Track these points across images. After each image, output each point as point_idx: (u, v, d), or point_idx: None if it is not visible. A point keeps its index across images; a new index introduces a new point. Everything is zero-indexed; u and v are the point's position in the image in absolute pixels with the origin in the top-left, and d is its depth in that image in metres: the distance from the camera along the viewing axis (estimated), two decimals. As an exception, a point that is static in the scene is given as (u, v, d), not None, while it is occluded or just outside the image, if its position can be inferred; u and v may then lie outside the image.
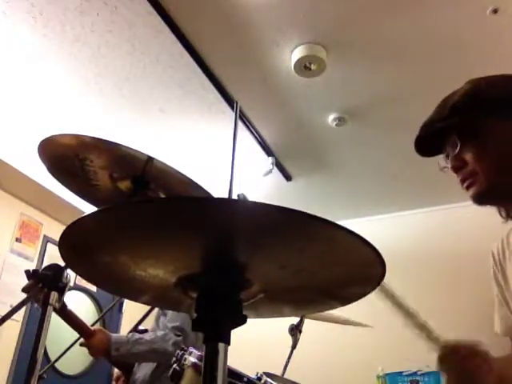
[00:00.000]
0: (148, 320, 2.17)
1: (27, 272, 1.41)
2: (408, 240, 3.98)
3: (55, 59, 2.73)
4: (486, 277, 1.21)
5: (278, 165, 3.60)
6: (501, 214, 1.09)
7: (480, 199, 1.06)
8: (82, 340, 1.92)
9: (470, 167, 1.05)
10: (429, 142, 1.13)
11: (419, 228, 4.00)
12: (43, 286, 1.27)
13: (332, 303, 0.82)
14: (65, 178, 1.48)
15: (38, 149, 1.35)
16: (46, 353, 3.10)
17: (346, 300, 0.79)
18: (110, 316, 4.17)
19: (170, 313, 2.09)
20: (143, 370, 2.06)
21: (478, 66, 2.40)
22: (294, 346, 2.26)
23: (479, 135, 1.05)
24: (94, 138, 1.31)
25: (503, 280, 1.14)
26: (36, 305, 1.32)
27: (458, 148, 1.07)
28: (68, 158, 1.36)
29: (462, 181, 1.08)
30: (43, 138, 1.31)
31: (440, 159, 1.14)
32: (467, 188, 1.07)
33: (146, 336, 2.02)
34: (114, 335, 2.00)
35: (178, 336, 1.99)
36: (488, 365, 0.94)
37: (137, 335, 2.03)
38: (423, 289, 3.68)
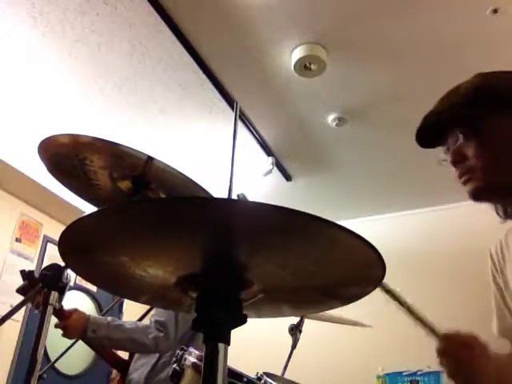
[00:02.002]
0: (146, 320, 2.17)
1: (22, 272, 1.40)
2: (408, 240, 3.98)
3: (55, 59, 2.73)
4: (485, 276, 1.21)
5: (278, 165, 3.60)
6: (497, 213, 1.09)
7: (476, 196, 1.05)
8: (57, 321, 1.87)
9: (469, 163, 1.04)
10: (430, 133, 1.12)
11: (419, 228, 4.00)
12: (43, 286, 1.27)
13: (332, 303, 0.82)
14: (65, 177, 1.48)
15: (38, 149, 1.35)
16: (46, 353, 3.10)
17: (346, 300, 0.79)
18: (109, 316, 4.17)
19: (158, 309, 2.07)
20: (138, 371, 2.05)
21: (478, 66, 2.39)
22: (293, 346, 2.26)
23: (482, 131, 1.04)
24: (94, 137, 1.31)
25: (502, 281, 1.13)
26: (30, 305, 1.31)
27: (460, 142, 1.05)
28: (68, 157, 1.36)
29: (460, 175, 1.07)
30: (43, 138, 1.31)
31: (440, 152, 1.13)
32: (464, 183, 1.06)
33: (127, 324, 2.00)
34: (92, 315, 1.97)
35: (160, 331, 1.97)
36: (486, 357, 0.94)
37: (118, 321, 2.01)
38: (423, 288, 3.68)
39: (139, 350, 2.01)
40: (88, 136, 1.31)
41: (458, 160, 1.06)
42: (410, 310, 1.00)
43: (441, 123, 1.09)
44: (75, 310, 1.93)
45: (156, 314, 2.06)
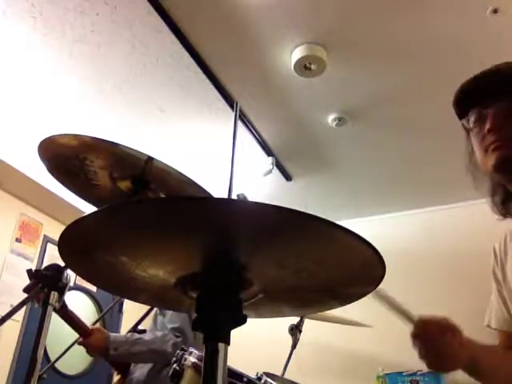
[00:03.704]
0: (147, 320, 2.17)
1: (29, 271, 1.41)
2: (408, 240, 3.98)
3: (55, 59, 2.73)
4: (485, 276, 1.22)
5: (278, 165, 3.60)
6: (502, 203, 1.07)
7: (503, 163, 1.00)
8: (80, 339, 1.92)
9: (509, 132, 1.00)
10: (478, 94, 1.07)
11: (419, 228, 3.99)
12: (43, 286, 1.27)
13: (332, 303, 0.82)
14: (65, 177, 1.48)
15: (38, 149, 1.35)
16: (46, 353, 3.10)
17: (346, 300, 0.79)
18: (110, 316, 4.17)
19: (169, 313, 2.08)
20: (140, 370, 2.06)
21: (478, 66, 2.39)
22: (293, 346, 2.26)
23: None
24: (94, 138, 1.31)
25: (502, 276, 1.15)
26: (37, 305, 1.32)
27: (508, 108, 1.01)
28: (68, 157, 1.36)
29: (491, 142, 1.01)
30: (43, 137, 1.31)
31: (464, 121, 1.09)
32: (493, 150, 1.01)
33: (145, 336, 2.01)
34: (112, 334, 1.99)
35: (178, 337, 1.98)
36: (459, 340, 0.96)
37: (136, 335, 2.03)
38: (423, 288, 3.68)
39: (161, 359, 1.99)
40: (88, 136, 1.31)
41: (498, 126, 1.01)
42: (383, 297, 0.99)
43: (497, 84, 1.04)
44: (98, 330, 1.97)
45: (169, 321, 2.05)
